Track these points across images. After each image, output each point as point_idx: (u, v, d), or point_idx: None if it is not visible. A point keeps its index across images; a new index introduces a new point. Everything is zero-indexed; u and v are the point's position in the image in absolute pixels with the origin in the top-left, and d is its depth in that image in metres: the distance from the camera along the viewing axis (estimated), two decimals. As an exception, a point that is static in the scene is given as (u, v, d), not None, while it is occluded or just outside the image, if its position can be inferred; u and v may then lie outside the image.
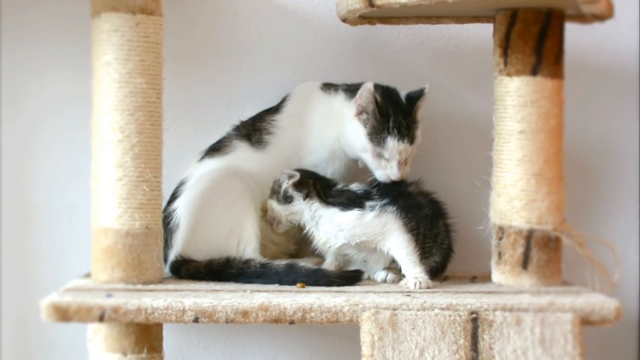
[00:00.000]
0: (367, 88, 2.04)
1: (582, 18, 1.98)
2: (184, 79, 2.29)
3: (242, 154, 2.17)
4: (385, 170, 2.07)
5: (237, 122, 2.22)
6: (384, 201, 2.02)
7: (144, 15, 1.91)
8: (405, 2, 1.86)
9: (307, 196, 2.05)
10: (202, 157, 2.19)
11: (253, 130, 2.19)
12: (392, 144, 2.05)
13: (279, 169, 2.12)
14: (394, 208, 2.01)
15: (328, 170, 2.15)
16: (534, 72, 1.94)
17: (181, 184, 2.15)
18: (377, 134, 2.06)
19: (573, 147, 2.14)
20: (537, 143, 1.93)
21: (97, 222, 1.93)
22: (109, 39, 1.90)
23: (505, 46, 1.97)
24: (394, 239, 2.00)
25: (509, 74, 1.96)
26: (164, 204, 2.02)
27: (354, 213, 2.01)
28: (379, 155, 2.06)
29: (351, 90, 2.13)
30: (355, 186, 2.08)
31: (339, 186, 2.08)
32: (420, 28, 2.31)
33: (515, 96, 1.95)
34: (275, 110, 2.21)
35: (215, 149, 2.20)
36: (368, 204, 2.02)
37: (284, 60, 2.31)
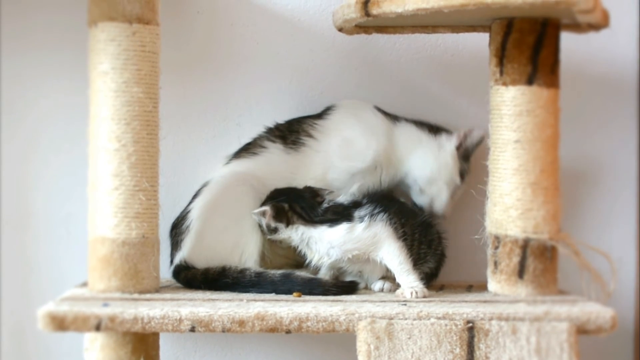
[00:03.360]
0: (480, 135, 2.17)
1: (578, 27, 1.98)
2: (181, 88, 2.29)
3: (271, 155, 2.17)
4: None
5: (270, 125, 2.22)
6: (374, 209, 2.02)
7: (140, 25, 1.91)
8: (402, 11, 1.86)
9: (288, 223, 2.04)
10: (230, 160, 2.20)
11: (289, 132, 2.19)
12: (462, 185, 2.21)
13: (307, 171, 2.14)
14: (385, 215, 2.01)
15: (359, 182, 2.15)
16: (529, 81, 1.94)
17: (204, 185, 2.16)
18: (462, 174, 2.20)
19: (569, 156, 2.14)
20: (533, 152, 1.93)
21: (93, 231, 1.94)
22: (105, 49, 1.91)
23: (501, 55, 1.97)
24: (385, 248, 1.99)
25: (504, 84, 1.96)
26: (160, 213, 2.01)
27: (343, 227, 2.00)
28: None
29: (420, 123, 2.22)
30: (342, 198, 2.07)
31: (325, 203, 2.05)
32: (416, 37, 2.31)
33: (511, 105, 1.95)
34: (318, 116, 2.22)
35: (244, 149, 2.21)
36: (357, 214, 2.02)
37: (280, 70, 2.32)
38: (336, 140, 2.17)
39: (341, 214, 2.02)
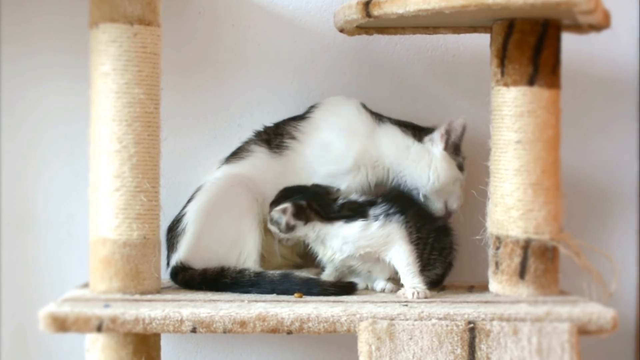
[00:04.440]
0: (461, 124, 2.13)
1: (578, 28, 1.98)
2: (182, 90, 2.30)
3: (257, 160, 2.17)
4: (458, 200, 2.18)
5: (259, 129, 2.22)
6: (390, 209, 2.02)
7: (141, 26, 1.91)
8: (403, 12, 1.86)
9: (307, 220, 2.03)
10: (221, 165, 2.20)
11: (275, 135, 2.18)
12: (464, 175, 2.17)
13: (293, 175, 2.13)
14: (401, 217, 2.01)
15: (344, 184, 2.14)
16: (530, 82, 1.94)
17: (198, 189, 2.16)
18: (461, 166, 2.16)
19: (570, 156, 2.14)
20: (534, 153, 1.93)
21: (95, 232, 1.93)
22: (106, 50, 1.91)
23: (502, 56, 1.97)
24: (396, 248, 1.99)
25: (506, 84, 1.96)
26: (162, 214, 2.01)
27: (359, 224, 2.00)
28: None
29: (404, 125, 2.18)
30: (355, 196, 2.07)
31: (340, 200, 2.05)
32: (418, 38, 2.31)
33: (512, 106, 1.95)
34: (301, 117, 2.21)
35: (233, 154, 2.20)
36: (372, 212, 2.02)
37: (281, 71, 2.32)
38: (316, 143, 2.15)
39: (357, 210, 2.02)
